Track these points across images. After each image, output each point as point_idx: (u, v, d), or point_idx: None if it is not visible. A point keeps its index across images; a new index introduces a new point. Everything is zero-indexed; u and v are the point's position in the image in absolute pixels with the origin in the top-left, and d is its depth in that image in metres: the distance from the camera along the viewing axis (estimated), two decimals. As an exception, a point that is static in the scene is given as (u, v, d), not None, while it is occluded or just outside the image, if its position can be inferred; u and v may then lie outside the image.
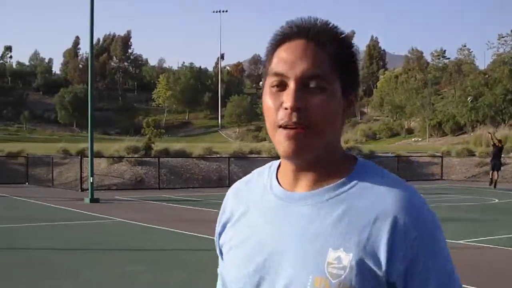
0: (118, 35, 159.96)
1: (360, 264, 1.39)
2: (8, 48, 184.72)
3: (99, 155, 30.88)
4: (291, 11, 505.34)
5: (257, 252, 1.50)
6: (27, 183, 32.80)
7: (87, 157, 25.58)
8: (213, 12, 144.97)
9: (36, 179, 33.23)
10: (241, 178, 1.69)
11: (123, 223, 17.08)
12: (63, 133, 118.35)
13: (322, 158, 1.48)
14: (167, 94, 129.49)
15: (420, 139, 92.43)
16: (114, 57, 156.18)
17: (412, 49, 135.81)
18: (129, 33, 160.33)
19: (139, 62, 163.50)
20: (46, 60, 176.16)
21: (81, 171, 28.78)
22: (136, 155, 33.56)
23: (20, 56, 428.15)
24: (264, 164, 1.65)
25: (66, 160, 34.21)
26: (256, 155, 37.03)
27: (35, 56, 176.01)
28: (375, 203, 1.42)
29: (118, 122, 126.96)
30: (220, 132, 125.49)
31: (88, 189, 23.78)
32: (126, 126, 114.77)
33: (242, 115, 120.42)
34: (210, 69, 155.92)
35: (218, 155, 35.97)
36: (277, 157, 1.51)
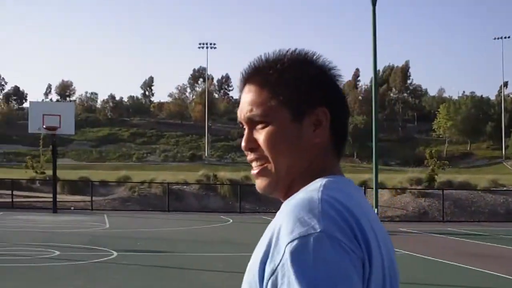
0: (397, 66, 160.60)
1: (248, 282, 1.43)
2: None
3: (381, 186, 31.14)
4: None
5: None
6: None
7: (371, 188, 25.85)
8: (494, 39, 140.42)
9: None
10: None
11: (407, 255, 17.02)
12: (344, 163, 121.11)
13: (282, 183, 1.54)
14: (447, 124, 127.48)
15: None
16: (394, 88, 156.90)
17: None
18: (407, 63, 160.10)
19: (418, 92, 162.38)
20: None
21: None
22: (419, 187, 33.34)
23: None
24: None
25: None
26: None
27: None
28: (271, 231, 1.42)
29: (398, 152, 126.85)
30: (504, 163, 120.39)
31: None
32: (406, 157, 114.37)
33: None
34: (492, 98, 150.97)
35: (505, 188, 34.54)
36: None
